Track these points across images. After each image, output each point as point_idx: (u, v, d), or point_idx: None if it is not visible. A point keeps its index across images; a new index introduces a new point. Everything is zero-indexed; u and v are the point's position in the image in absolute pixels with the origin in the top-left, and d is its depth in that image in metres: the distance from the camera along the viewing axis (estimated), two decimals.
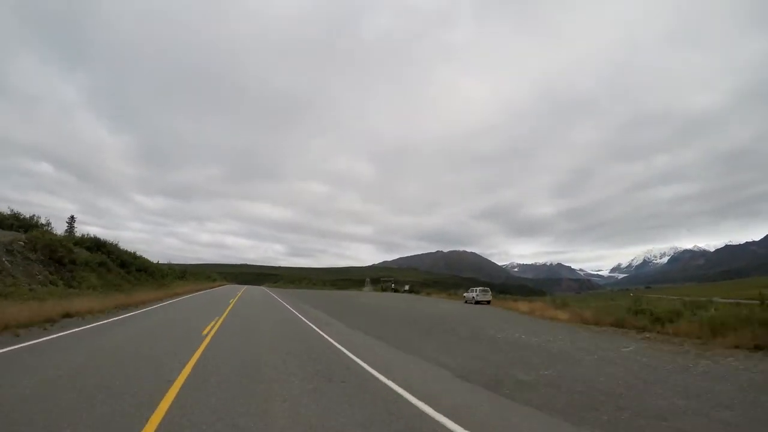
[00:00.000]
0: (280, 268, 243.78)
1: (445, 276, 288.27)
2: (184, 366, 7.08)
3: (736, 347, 10.28)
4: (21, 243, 20.65)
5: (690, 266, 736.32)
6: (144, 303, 21.25)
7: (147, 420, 4.35)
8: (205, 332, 11.97)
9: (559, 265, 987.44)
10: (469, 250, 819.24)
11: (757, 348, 9.94)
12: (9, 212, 26.63)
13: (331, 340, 11.69)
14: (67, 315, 13.12)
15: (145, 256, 42.19)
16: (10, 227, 24.45)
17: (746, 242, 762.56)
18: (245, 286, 78.46)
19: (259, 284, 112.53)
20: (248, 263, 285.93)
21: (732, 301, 24.38)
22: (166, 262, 58.84)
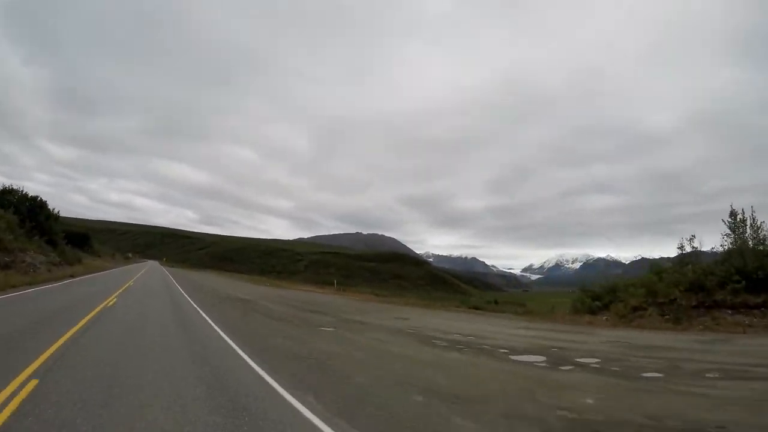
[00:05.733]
0: (191, 234, 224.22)
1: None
2: None
3: None
4: None
5: (607, 274, 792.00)
6: None
7: None
8: None
9: (474, 259, 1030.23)
10: (388, 234, 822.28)
11: None
12: None
13: None
14: None
15: None
16: None
17: (661, 257, 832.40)
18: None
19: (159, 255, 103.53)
20: (156, 225, 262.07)
21: None
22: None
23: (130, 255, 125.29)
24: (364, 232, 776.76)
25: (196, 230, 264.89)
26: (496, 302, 43.78)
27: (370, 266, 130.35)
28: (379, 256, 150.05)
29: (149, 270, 54.16)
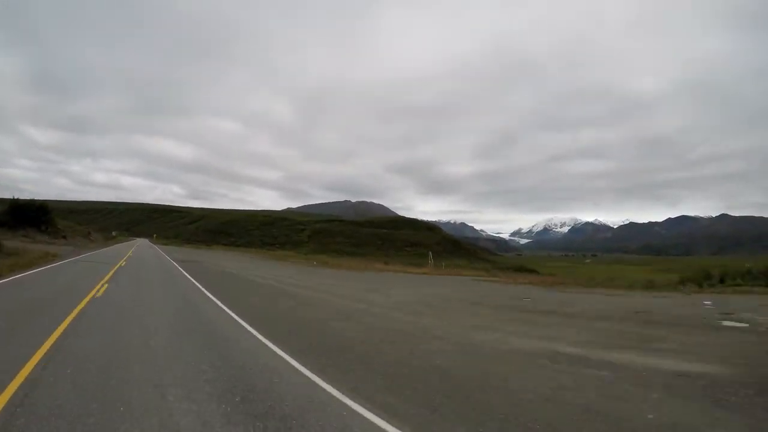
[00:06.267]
0: (180, 208, 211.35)
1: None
2: None
3: None
4: None
5: (596, 238, 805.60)
6: None
7: None
8: None
9: (463, 224, 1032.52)
10: (377, 202, 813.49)
11: None
12: None
13: None
14: None
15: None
16: None
17: (649, 222, 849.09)
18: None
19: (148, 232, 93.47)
20: (143, 203, 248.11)
21: None
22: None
23: (114, 233, 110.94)
24: (353, 200, 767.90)
25: (183, 205, 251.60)
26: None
27: (382, 233, 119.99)
28: (391, 222, 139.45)
29: (138, 253, 37.26)
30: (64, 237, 40.73)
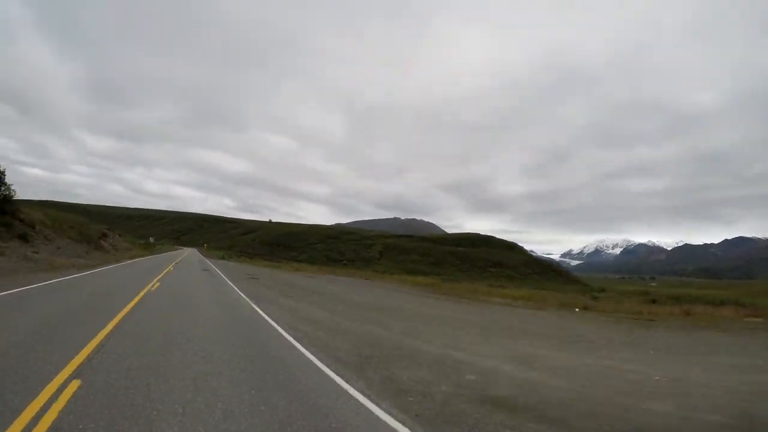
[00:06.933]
0: (232, 219, 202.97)
1: None
2: None
3: None
4: None
5: (649, 260, 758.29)
6: None
7: None
8: None
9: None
10: (426, 219, 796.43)
11: None
12: None
13: None
14: None
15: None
16: None
17: (704, 243, 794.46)
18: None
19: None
20: (194, 212, 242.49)
21: None
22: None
23: (152, 240, 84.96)
24: (402, 217, 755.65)
25: (234, 216, 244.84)
26: None
27: (459, 252, 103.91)
28: (466, 239, 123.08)
29: (182, 270, 26.32)
30: (24, 238, 21.00)
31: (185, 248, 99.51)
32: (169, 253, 64.43)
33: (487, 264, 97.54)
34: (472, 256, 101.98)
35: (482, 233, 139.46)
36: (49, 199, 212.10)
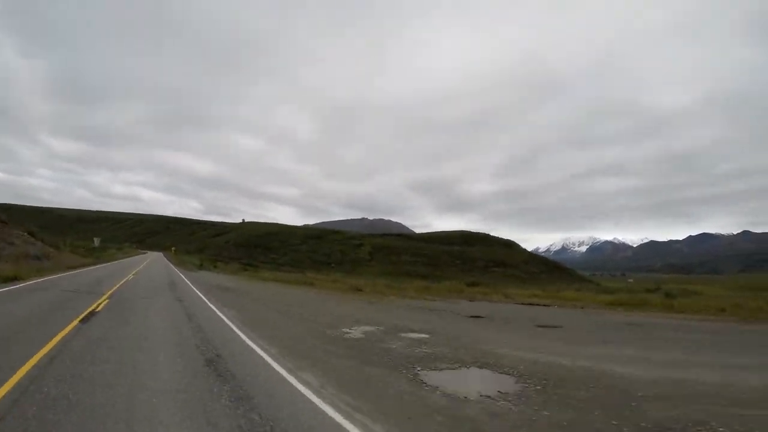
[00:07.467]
0: (201, 221, 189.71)
1: None
2: None
3: None
4: None
5: (616, 257, 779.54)
6: None
7: None
8: None
9: None
10: (394, 219, 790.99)
11: None
12: None
13: None
14: None
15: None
16: None
17: (669, 240, 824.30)
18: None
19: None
20: (161, 215, 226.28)
21: None
22: None
23: (96, 243, 57.90)
24: (370, 218, 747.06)
25: (202, 219, 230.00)
26: None
27: (454, 251, 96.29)
28: (460, 237, 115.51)
29: (129, 307, 11.35)
30: None
31: (150, 252, 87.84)
32: (123, 260, 49.37)
33: (488, 263, 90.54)
34: (468, 255, 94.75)
35: (467, 231, 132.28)
36: (9, 202, 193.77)
